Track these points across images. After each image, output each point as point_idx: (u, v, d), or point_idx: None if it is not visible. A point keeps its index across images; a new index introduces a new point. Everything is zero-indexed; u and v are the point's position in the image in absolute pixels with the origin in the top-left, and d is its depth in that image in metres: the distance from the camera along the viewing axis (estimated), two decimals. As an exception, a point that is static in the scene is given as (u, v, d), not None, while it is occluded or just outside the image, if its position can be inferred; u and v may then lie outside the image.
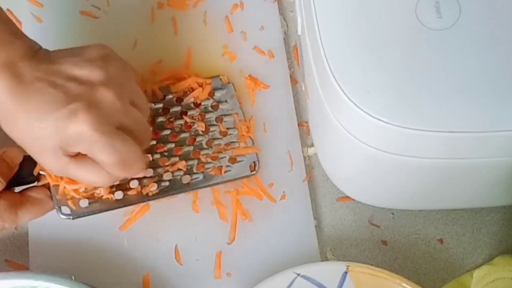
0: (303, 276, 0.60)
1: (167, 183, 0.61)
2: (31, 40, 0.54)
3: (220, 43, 0.69)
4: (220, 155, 0.63)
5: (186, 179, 0.61)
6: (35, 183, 0.59)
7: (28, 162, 0.57)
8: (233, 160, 0.63)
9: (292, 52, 0.71)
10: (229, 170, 0.62)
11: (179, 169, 0.61)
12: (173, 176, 0.61)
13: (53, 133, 0.52)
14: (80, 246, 0.62)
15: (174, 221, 0.63)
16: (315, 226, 0.64)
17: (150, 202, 0.62)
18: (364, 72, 0.50)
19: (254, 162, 0.63)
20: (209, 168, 0.62)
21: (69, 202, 0.58)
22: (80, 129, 0.51)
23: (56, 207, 0.58)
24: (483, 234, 0.65)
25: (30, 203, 0.57)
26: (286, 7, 0.72)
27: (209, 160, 0.62)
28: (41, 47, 0.55)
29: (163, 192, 0.61)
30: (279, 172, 0.65)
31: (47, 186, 0.58)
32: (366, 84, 0.50)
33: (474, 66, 0.50)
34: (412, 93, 0.50)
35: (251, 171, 0.63)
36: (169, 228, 0.63)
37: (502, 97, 0.49)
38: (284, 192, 0.65)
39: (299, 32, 0.63)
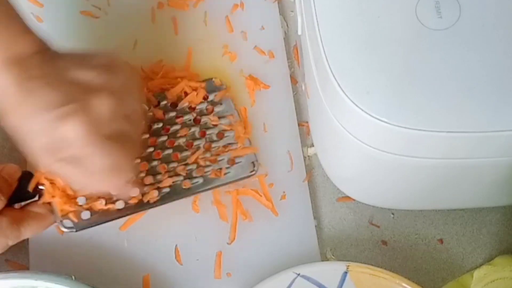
0: (303, 276, 0.60)
1: (167, 190, 0.61)
2: (41, 38, 0.54)
3: (220, 43, 0.69)
4: (219, 158, 0.63)
5: (186, 184, 0.61)
6: (35, 198, 0.58)
7: (27, 177, 0.57)
8: (232, 161, 0.63)
9: (292, 52, 0.71)
10: (229, 172, 0.62)
11: (179, 175, 0.61)
12: (173, 182, 0.61)
13: (43, 132, 0.52)
14: (80, 246, 0.62)
15: (174, 221, 0.63)
16: (315, 226, 0.64)
17: (150, 202, 0.63)
18: (364, 72, 0.50)
19: (253, 162, 0.63)
20: (208, 171, 0.62)
21: (71, 215, 0.58)
22: (69, 133, 0.51)
23: (58, 221, 0.58)
24: (483, 234, 0.65)
25: (32, 218, 0.57)
26: (286, 7, 0.72)
27: (208, 163, 0.62)
28: (50, 47, 0.54)
29: (164, 199, 0.61)
30: (279, 172, 0.65)
31: (48, 200, 0.58)
32: (366, 84, 0.50)
33: (474, 66, 0.50)
34: (412, 93, 0.50)
35: (251, 172, 0.63)
36: (169, 228, 0.63)
37: (502, 97, 0.49)
38: (284, 192, 0.65)
39: (299, 32, 0.63)
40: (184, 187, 0.61)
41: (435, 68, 0.50)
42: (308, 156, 0.67)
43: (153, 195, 0.60)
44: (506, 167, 0.54)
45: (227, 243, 0.63)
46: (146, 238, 0.62)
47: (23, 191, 0.58)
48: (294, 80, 0.70)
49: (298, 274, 0.60)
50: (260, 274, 0.61)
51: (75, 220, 0.58)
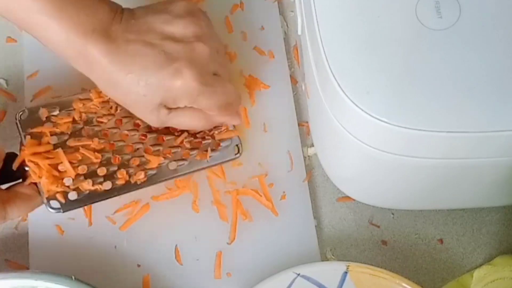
0: (303, 276, 0.60)
1: (154, 171, 0.61)
2: (113, 2, 0.56)
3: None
4: (204, 141, 0.63)
5: (172, 165, 0.62)
6: (21, 180, 0.59)
7: (12, 158, 0.58)
8: (216, 144, 0.63)
9: (292, 52, 0.71)
10: (214, 155, 0.63)
11: (165, 157, 0.62)
12: (159, 163, 0.61)
13: (158, 90, 0.55)
14: (80, 246, 0.62)
15: (174, 221, 0.63)
16: (315, 226, 0.64)
17: (150, 202, 0.63)
18: (364, 72, 0.50)
19: (237, 145, 0.64)
20: (193, 154, 0.62)
21: (58, 196, 0.58)
22: (186, 85, 0.55)
23: (45, 202, 0.58)
24: (483, 234, 0.65)
25: (18, 198, 0.57)
26: (286, 7, 0.72)
27: (193, 146, 0.63)
28: (123, 8, 0.57)
29: (151, 180, 0.61)
30: (279, 172, 0.65)
31: (34, 181, 0.58)
32: (366, 84, 0.50)
33: (474, 66, 0.50)
34: (412, 93, 0.50)
35: (235, 154, 0.64)
36: (169, 228, 0.63)
37: (502, 97, 0.49)
38: (284, 192, 0.65)
39: (299, 32, 0.63)
40: (170, 168, 0.62)
41: (435, 68, 0.50)
42: (308, 156, 0.67)
43: (140, 176, 0.60)
44: (506, 167, 0.54)
45: (227, 243, 0.63)
46: (146, 238, 0.62)
47: (9, 172, 0.58)
48: (294, 80, 0.70)
49: (298, 274, 0.60)
50: (260, 274, 0.61)
51: (62, 200, 0.58)
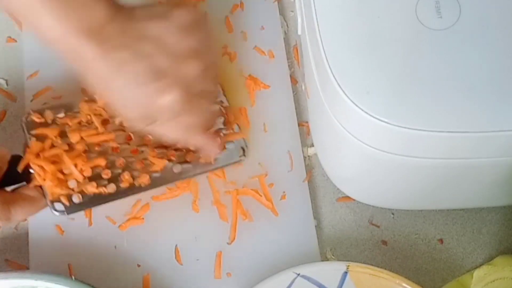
0: (303, 276, 0.60)
1: (158, 174, 0.61)
2: (111, 1, 0.54)
3: (220, 43, 0.69)
4: None
5: (177, 168, 0.62)
6: (25, 182, 0.59)
7: (17, 161, 0.58)
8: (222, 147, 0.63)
9: (292, 52, 0.71)
10: (219, 157, 0.63)
11: (169, 159, 0.62)
12: (163, 166, 0.61)
13: (139, 104, 0.54)
14: (80, 246, 0.62)
15: (174, 221, 0.63)
16: (315, 226, 0.64)
17: (150, 202, 0.63)
18: (364, 72, 0.50)
19: (242, 148, 0.64)
20: (198, 156, 0.62)
21: (62, 199, 0.58)
22: (170, 104, 0.54)
23: (49, 204, 0.58)
24: (483, 234, 0.65)
25: (23, 200, 0.57)
26: (286, 7, 0.72)
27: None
28: (122, 7, 0.54)
29: (155, 183, 0.61)
30: (279, 172, 0.65)
31: (39, 184, 0.58)
32: (366, 84, 0.50)
33: (474, 66, 0.50)
34: (412, 93, 0.50)
35: (240, 156, 0.63)
36: (169, 228, 0.63)
37: (502, 97, 0.49)
38: (284, 192, 0.65)
39: (299, 32, 0.63)
40: (175, 171, 0.61)
41: (435, 68, 0.50)
42: (308, 156, 0.67)
43: (144, 179, 0.60)
44: (506, 167, 0.54)
45: (227, 243, 0.63)
46: (146, 238, 0.62)
47: (14, 174, 0.58)
48: (294, 80, 0.70)
49: (298, 274, 0.60)
50: (260, 274, 0.61)
51: (66, 203, 0.58)
